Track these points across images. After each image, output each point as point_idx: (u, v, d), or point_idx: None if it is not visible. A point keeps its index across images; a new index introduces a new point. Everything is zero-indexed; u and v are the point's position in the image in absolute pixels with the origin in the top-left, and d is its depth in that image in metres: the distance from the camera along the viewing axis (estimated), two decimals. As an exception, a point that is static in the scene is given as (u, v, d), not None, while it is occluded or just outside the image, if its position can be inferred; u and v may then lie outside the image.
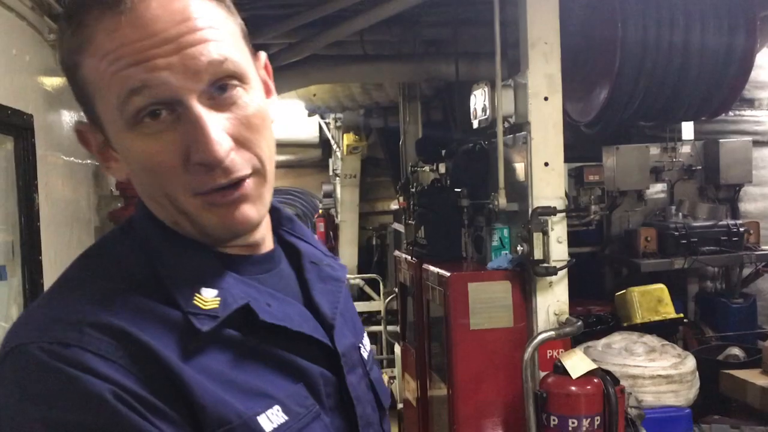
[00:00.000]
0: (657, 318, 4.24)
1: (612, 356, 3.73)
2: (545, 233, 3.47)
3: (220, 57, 0.78)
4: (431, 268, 4.09)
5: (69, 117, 3.15)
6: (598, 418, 3.17)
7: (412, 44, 5.55)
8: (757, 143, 5.03)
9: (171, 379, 0.73)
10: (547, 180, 3.52)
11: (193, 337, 0.76)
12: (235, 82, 0.80)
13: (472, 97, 4.18)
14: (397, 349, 5.72)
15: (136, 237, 0.84)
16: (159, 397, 0.72)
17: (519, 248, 3.58)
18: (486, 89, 3.92)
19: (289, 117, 7.91)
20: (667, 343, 3.91)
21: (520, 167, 3.70)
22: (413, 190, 5.10)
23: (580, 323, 3.44)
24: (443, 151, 4.89)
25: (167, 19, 0.76)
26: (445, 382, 3.84)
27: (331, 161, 8.93)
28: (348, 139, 7.91)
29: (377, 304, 7.67)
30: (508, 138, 3.80)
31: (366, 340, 1.00)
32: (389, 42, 5.58)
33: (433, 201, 4.54)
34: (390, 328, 6.93)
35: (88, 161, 3.50)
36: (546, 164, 3.51)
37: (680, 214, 4.80)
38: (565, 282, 3.55)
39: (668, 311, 4.29)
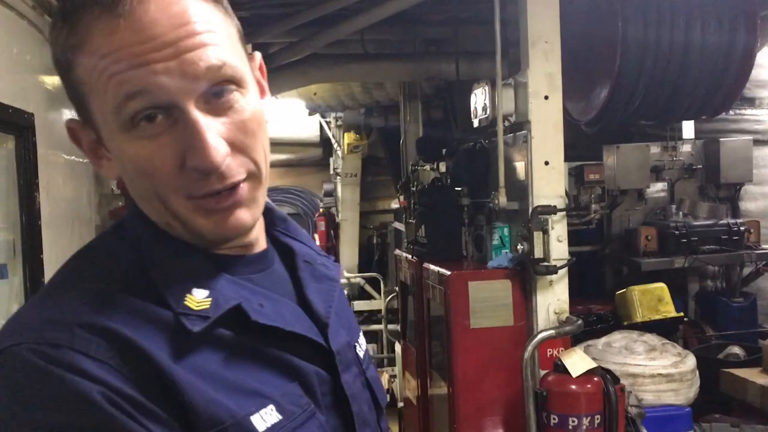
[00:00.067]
0: (657, 317, 4.25)
1: (612, 355, 3.74)
2: (545, 232, 3.47)
3: (219, 62, 0.78)
4: (432, 266, 4.09)
5: (70, 116, 3.15)
6: (599, 416, 3.18)
7: (412, 43, 5.56)
8: (757, 142, 5.04)
9: (162, 379, 0.73)
10: (548, 179, 3.52)
11: (185, 337, 0.76)
12: (233, 87, 0.79)
13: (472, 96, 4.18)
14: (398, 347, 5.72)
15: (128, 238, 0.84)
16: (149, 398, 0.72)
17: (519, 247, 3.58)
18: (486, 88, 3.92)
19: (290, 116, 7.91)
20: (668, 341, 3.91)
21: (520, 166, 3.70)
22: (414, 188, 5.10)
23: (580, 322, 3.44)
24: (444, 150, 4.89)
25: (166, 22, 0.76)
26: (446, 380, 3.84)
27: (331, 160, 8.93)
28: (348, 138, 7.91)
29: (378, 303, 7.68)
30: (509, 137, 3.80)
31: (362, 339, 0.99)
32: (390, 41, 5.59)
33: (434, 200, 4.54)
34: (390, 326, 6.93)
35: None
36: (546, 163, 3.51)
37: (681, 213, 4.80)
38: (566, 281, 3.55)
39: (668, 310, 4.29)
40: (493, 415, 3.65)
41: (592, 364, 3.26)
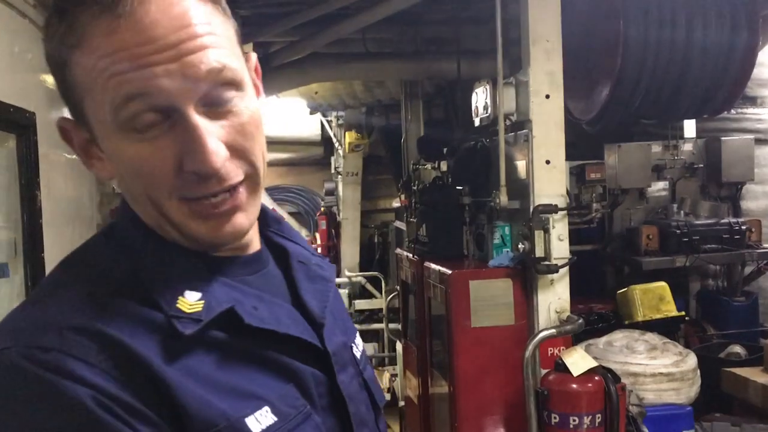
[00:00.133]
0: (658, 316, 4.25)
1: (613, 354, 3.74)
2: (546, 231, 3.47)
3: (219, 65, 0.77)
4: (433, 265, 4.09)
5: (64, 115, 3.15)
6: (599, 415, 3.17)
7: (413, 42, 5.55)
8: (759, 141, 5.03)
9: (154, 382, 0.72)
10: (549, 178, 3.52)
11: (177, 340, 0.75)
12: (232, 90, 0.79)
13: (473, 95, 4.18)
14: (399, 346, 5.72)
15: (119, 241, 0.83)
16: (142, 401, 0.71)
17: (520, 246, 3.58)
18: (487, 87, 3.92)
19: (291, 115, 7.91)
20: (669, 341, 3.91)
21: (521, 165, 3.70)
22: (415, 187, 5.10)
23: (581, 321, 3.44)
24: (445, 149, 4.89)
25: (167, 24, 0.75)
26: (447, 379, 3.84)
27: (332, 159, 8.92)
28: (350, 137, 7.90)
29: (379, 302, 7.67)
30: (510, 136, 3.80)
31: (358, 340, 0.99)
32: (391, 40, 5.58)
33: (435, 199, 4.54)
34: (392, 325, 6.92)
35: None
36: (547, 162, 3.51)
37: (682, 212, 4.80)
38: (567, 280, 3.55)
39: (670, 309, 4.29)
40: (494, 414, 3.65)
41: (593, 363, 3.25)
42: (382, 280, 7.77)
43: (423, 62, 5.44)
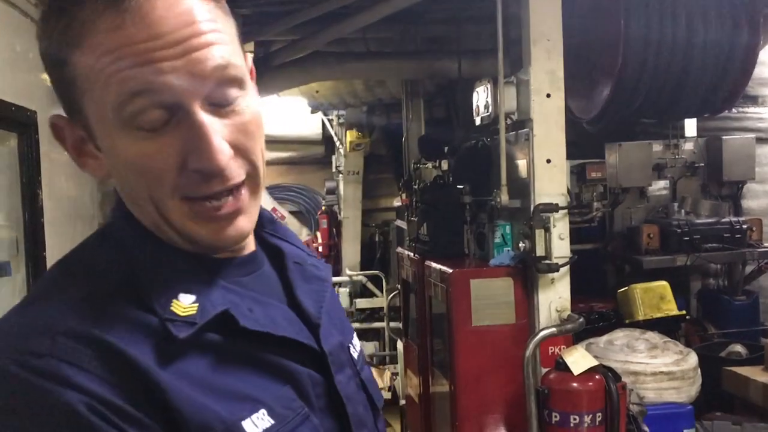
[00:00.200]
0: (659, 315, 4.25)
1: (614, 353, 3.74)
2: (547, 230, 3.47)
3: (224, 62, 0.76)
4: (433, 264, 4.10)
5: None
6: (600, 414, 3.18)
7: (414, 41, 5.55)
8: (760, 140, 5.02)
9: (149, 386, 0.71)
10: (550, 177, 3.52)
11: (171, 343, 0.74)
12: (236, 88, 0.78)
13: (474, 94, 4.18)
14: (400, 345, 5.73)
15: (114, 242, 0.82)
16: (136, 406, 0.70)
17: (521, 245, 3.58)
18: (488, 86, 3.92)
19: (292, 114, 7.90)
20: (669, 340, 3.91)
21: (522, 164, 3.70)
22: (416, 187, 5.10)
23: (581, 320, 3.44)
24: (446, 148, 4.89)
25: (173, 20, 0.74)
26: (447, 378, 3.84)
27: (333, 158, 8.92)
28: (351, 136, 7.90)
29: (380, 301, 7.68)
30: (511, 135, 3.80)
31: (355, 340, 0.98)
32: (392, 39, 5.59)
33: (436, 198, 4.54)
34: (392, 324, 6.93)
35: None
36: (548, 161, 3.51)
37: (683, 211, 4.80)
38: (567, 279, 3.55)
39: (670, 308, 4.29)
40: (494, 412, 3.65)
41: (594, 362, 3.26)
42: (383, 278, 7.77)
43: (424, 61, 5.44)
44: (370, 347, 7.65)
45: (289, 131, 8.44)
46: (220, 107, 0.77)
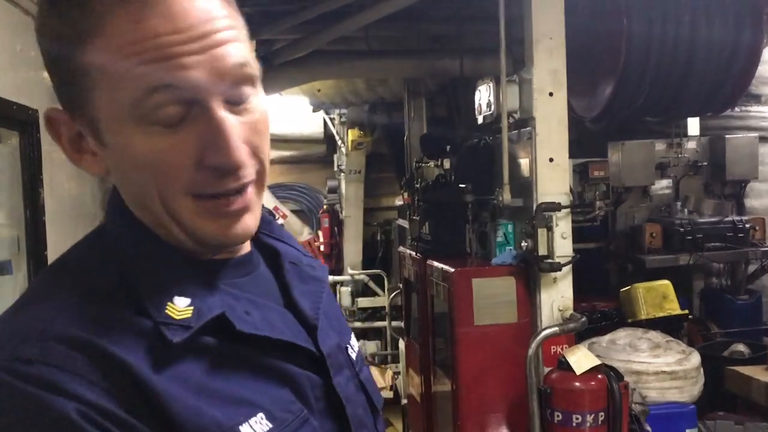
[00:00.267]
0: (662, 314, 4.24)
1: (616, 352, 3.73)
2: (550, 229, 3.47)
3: (243, 60, 0.76)
4: (435, 263, 4.09)
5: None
6: (602, 413, 3.17)
7: (416, 40, 5.55)
8: (763, 139, 5.02)
9: (143, 391, 0.69)
10: (552, 176, 3.51)
11: (166, 347, 0.72)
12: (249, 86, 0.77)
13: (476, 93, 4.17)
14: (402, 344, 5.73)
15: (107, 244, 0.80)
16: (130, 412, 0.68)
17: (523, 244, 3.58)
18: (491, 85, 3.91)
19: (294, 112, 7.90)
20: (672, 339, 3.90)
21: (524, 163, 3.69)
22: (418, 185, 5.09)
23: (584, 319, 3.43)
24: (448, 147, 4.88)
25: (195, 15, 0.72)
26: (449, 377, 3.84)
27: (335, 157, 8.91)
28: (352, 134, 7.90)
29: (381, 300, 7.67)
30: (513, 134, 3.79)
31: (353, 340, 0.96)
32: (394, 38, 5.58)
33: (438, 197, 4.54)
34: (394, 323, 6.93)
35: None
36: (551, 160, 3.50)
37: (685, 210, 4.79)
38: (570, 278, 3.55)
39: (673, 307, 4.28)
40: (496, 412, 3.65)
41: (596, 362, 3.25)
42: (385, 277, 7.76)
43: (426, 60, 5.44)
44: (372, 346, 7.65)
45: (290, 130, 8.44)
46: (234, 105, 0.76)
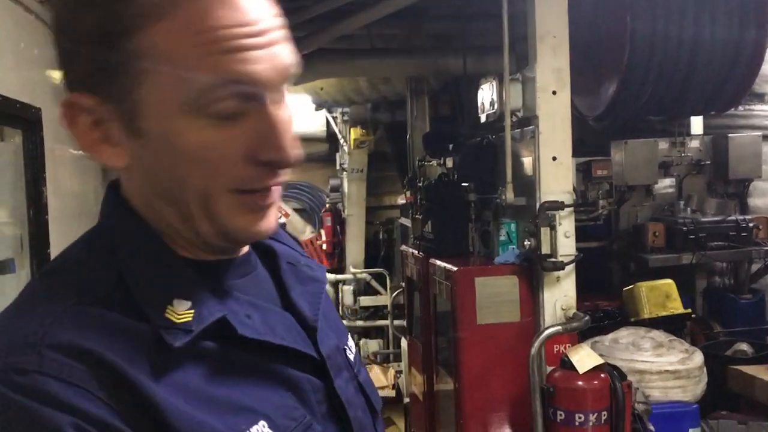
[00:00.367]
0: (664, 313, 4.23)
1: (619, 351, 3.72)
2: (553, 228, 3.46)
3: (293, 59, 0.76)
4: (438, 262, 4.09)
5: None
6: (605, 413, 3.17)
7: (419, 38, 5.54)
8: (766, 138, 5.00)
9: (141, 401, 0.67)
10: (555, 174, 3.50)
11: (165, 353, 0.70)
12: (287, 85, 0.78)
13: (479, 91, 4.16)
14: (404, 343, 5.72)
15: (105, 245, 0.77)
16: (128, 424, 0.66)
17: (526, 243, 3.57)
18: (494, 83, 3.91)
19: (296, 111, 7.89)
20: (675, 338, 3.90)
21: (527, 162, 3.69)
22: (420, 184, 5.09)
23: (587, 318, 3.43)
24: (450, 146, 4.88)
25: (257, 9, 0.72)
26: (452, 376, 3.84)
27: (338, 155, 8.92)
28: (355, 133, 7.91)
29: (384, 299, 7.68)
30: (516, 132, 3.79)
31: (350, 342, 0.95)
32: (397, 36, 5.58)
33: (441, 195, 4.53)
34: (397, 322, 6.93)
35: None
36: (554, 158, 3.50)
37: (689, 209, 4.78)
38: (573, 277, 3.54)
39: (676, 306, 4.27)
40: (499, 411, 3.64)
41: (599, 361, 3.25)
42: (387, 276, 7.77)
43: (429, 58, 5.44)
44: (374, 345, 7.65)
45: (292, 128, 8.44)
46: (278, 102, 0.77)
